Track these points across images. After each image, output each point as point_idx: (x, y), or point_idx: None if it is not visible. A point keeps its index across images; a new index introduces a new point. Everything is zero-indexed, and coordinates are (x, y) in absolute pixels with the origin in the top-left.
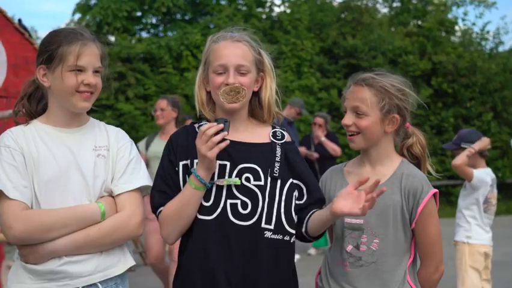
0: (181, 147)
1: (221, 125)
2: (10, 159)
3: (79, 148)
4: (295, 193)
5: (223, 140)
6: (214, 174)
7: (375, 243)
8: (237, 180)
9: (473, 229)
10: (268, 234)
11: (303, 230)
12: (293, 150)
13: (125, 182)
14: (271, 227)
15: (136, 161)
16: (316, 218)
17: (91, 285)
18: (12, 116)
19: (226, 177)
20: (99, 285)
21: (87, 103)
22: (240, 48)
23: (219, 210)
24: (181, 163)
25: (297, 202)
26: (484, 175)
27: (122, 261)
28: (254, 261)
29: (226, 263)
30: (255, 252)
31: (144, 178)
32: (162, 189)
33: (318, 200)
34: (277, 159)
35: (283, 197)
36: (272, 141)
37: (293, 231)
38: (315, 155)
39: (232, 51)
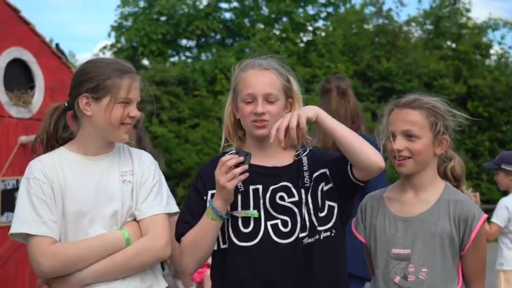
0: (210, 176)
1: (241, 158)
2: (39, 193)
3: (106, 176)
4: (322, 185)
5: (244, 172)
6: (237, 203)
7: (424, 273)
8: (255, 213)
9: (505, 255)
10: (305, 240)
11: (349, 173)
12: (317, 151)
13: (148, 206)
14: (307, 232)
15: (160, 184)
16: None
17: None
18: (33, 141)
19: (261, 200)
20: None
21: (127, 135)
22: (267, 76)
23: (261, 233)
24: (210, 192)
25: (328, 187)
26: (503, 203)
27: (155, 285)
28: (300, 269)
29: (276, 279)
30: (299, 261)
31: (168, 204)
32: (186, 219)
33: (338, 161)
34: (305, 168)
35: (310, 199)
36: (297, 158)
37: (327, 227)
38: None
39: (260, 80)
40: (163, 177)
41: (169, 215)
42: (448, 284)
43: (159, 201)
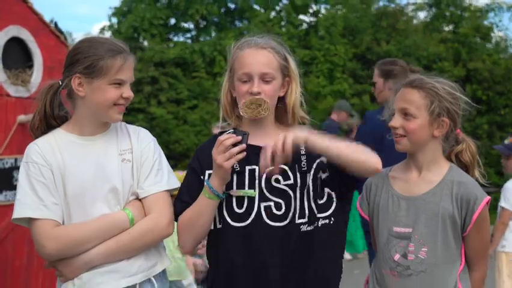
0: (207, 156)
1: (239, 137)
2: (39, 176)
3: (105, 155)
4: (321, 173)
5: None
6: (232, 183)
7: (424, 252)
8: (252, 192)
9: (507, 237)
10: (304, 227)
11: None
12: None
13: (151, 184)
14: (306, 219)
15: (160, 161)
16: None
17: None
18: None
19: (256, 180)
20: (153, 279)
21: (121, 115)
22: (264, 55)
23: (253, 214)
24: (207, 172)
25: (325, 175)
26: (509, 186)
27: (160, 263)
28: (296, 256)
29: (269, 263)
30: (295, 248)
31: (170, 180)
32: (184, 199)
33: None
34: (302, 152)
35: (311, 187)
36: None
37: (326, 214)
38: None
39: (257, 59)
40: (162, 152)
41: (171, 190)
42: (449, 264)
43: (160, 178)
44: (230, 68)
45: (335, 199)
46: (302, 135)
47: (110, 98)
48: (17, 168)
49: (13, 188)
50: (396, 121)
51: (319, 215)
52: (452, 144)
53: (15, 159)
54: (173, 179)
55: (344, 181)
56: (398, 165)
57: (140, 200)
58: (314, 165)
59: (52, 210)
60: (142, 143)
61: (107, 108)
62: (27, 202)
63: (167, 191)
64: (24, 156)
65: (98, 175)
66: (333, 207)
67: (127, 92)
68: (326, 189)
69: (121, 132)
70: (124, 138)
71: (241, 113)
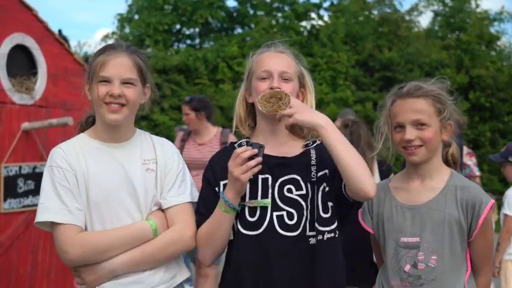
0: (221, 167)
1: (255, 150)
2: (63, 181)
3: (128, 163)
4: (324, 185)
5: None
6: (245, 192)
7: (434, 260)
8: (267, 202)
9: None
10: (312, 240)
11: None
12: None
13: (174, 195)
14: (314, 232)
15: (184, 173)
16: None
17: None
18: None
19: (269, 189)
20: None
21: (116, 115)
22: (283, 58)
23: (265, 223)
24: (221, 183)
25: (328, 188)
26: (511, 191)
27: (179, 275)
28: (303, 267)
29: (278, 273)
30: (304, 259)
31: (192, 192)
32: (201, 211)
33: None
34: (313, 162)
35: (320, 198)
36: (305, 149)
37: (331, 228)
38: None
39: (276, 60)
40: (185, 165)
41: (194, 202)
42: (456, 270)
43: (184, 190)
44: (248, 72)
45: (335, 212)
46: (321, 120)
47: (96, 96)
48: (22, 175)
49: (17, 195)
50: (411, 133)
51: (325, 228)
52: (442, 147)
53: (20, 167)
54: (195, 192)
55: (340, 202)
56: (398, 176)
57: (162, 210)
58: (319, 176)
59: (76, 215)
60: (167, 154)
61: (98, 107)
62: (51, 206)
63: (191, 203)
64: (48, 160)
65: (121, 182)
66: (336, 222)
67: (113, 90)
68: (329, 203)
69: (146, 141)
70: (149, 148)
71: (259, 108)
